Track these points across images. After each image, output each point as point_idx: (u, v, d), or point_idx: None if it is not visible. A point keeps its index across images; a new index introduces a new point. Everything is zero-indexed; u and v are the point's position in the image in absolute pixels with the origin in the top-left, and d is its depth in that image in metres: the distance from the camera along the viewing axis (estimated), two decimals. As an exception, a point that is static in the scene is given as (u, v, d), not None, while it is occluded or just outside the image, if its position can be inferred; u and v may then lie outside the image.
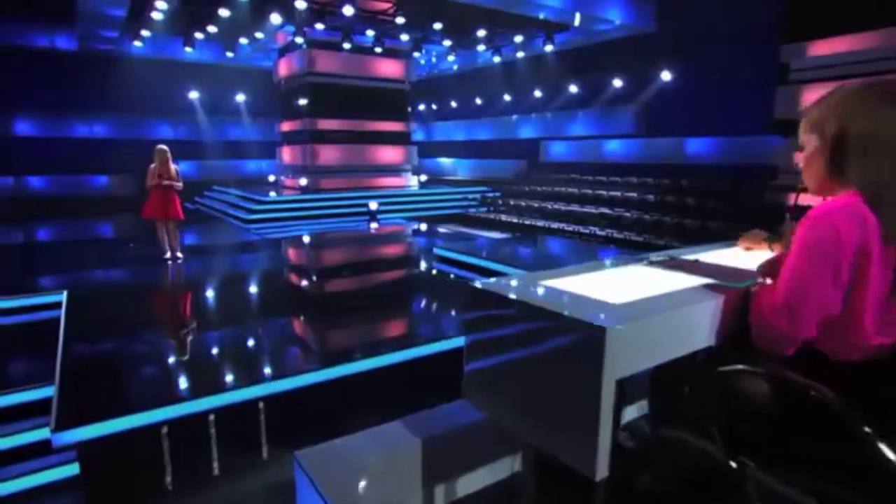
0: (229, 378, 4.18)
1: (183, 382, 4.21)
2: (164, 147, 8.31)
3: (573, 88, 16.49)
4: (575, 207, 12.73)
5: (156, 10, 11.13)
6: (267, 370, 4.38)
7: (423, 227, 13.02)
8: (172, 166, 8.33)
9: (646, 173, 13.80)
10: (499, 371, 1.56)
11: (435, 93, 21.91)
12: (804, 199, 1.86)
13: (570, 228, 12.18)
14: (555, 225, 12.63)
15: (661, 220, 10.79)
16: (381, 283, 7.87)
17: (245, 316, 6.05)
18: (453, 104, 21.80)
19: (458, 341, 4.95)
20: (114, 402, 3.79)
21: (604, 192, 13.17)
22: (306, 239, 11.56)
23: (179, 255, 8.57)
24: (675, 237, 10.12)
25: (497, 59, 15.89)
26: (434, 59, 19.26)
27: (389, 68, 16.68)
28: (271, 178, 18.44)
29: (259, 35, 13.52)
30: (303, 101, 15.93)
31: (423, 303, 6.54)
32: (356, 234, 12.24)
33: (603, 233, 11.43)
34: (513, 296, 1.51)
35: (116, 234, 13.10)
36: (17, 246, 11.02)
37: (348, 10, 11.07)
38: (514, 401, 1.53)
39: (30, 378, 4.45)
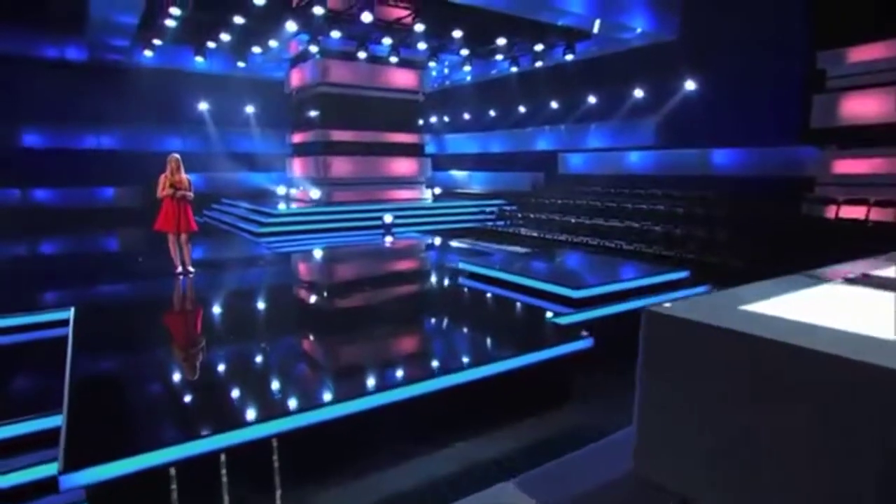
0: (245, 411, 3.68)
1: (198, 414, 3.72)
2: (177, 155, 7.91)
3: (591, 99, 16.16)
4: (599, 221, 12.26)
5: (169, 17, 10.81)
6: (283, 401, 3.88)
7: (442, 241, 12.56)
8: (185, 176, 7.92)
9: (669, 185, 13.36)
10: (717, 440, 1.07)
11: (447, 105, 21.62)
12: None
13: (595, 242, 11.71)
14: (578, 239, 12.17)
15: (691, 233, 10.31)
16: (405, 301, 7.38)
17: (263, 338, 5.57)
18: (466, 116, 21.49)
19: (498, 366, 4.49)
20: (125, 438, 3.33)
21: (628, 205, 12.71)
22: (322, 253, 11.10)
23: (191, 269, 8.12)
24: (708, 251, 9.63)
25: (514, 69, 15.54)
26: (446, 71, 18.98)
27: (404, 79, 16.36)
28: (281, 190, 18.05)
29: (273, 43, 13.21)
30: (315, 112, 15.59)
31: (454, 323, 6.04)
32: (374, 249, 11.78)
33: (630, 247, 10.96)
34: (750, 331, 1.03)
35: (124, 247, 12.68)
36: (23, 259, 10.58)
37: (367, 17, 10.75)
38: (743, 481, 1.04)
39: (36, 404, 3.99)
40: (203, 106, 18.11)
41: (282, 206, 14.39)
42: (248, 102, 18.74)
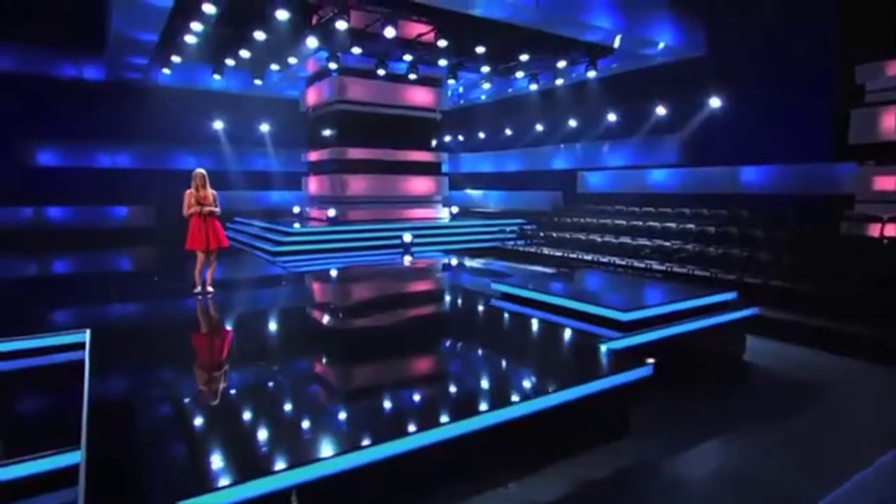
0: (273, 458, 3.25)
1: (226, 456, 3.31)
2: (202, 171, 7.63)
3: (612, 117, 15.89)
4: (626, 240, 11.86)
5: (190, 32, 10.68)
6: (314, 443, 3.44)
7: (463, 260, 12.19)
8: (211, 191, 7.63)
9: (696, 204, 12.97)
10: None
11: (461, 123, 21.46)
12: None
13: (623, 262, 11.29)
14: (605, 258, 11.76)
15: (728, 253, 9.88)
16: (437, 325, 6.96)
17: (292, 368, 5.18)
18: (481, 135, 21.30)
19: (555, 397, 4.04)
20: (151, 479, 2.94)
21: (655, 224, 12.32)
22: (343, 274, 10.75)
23: (210, 289, 7.78)
24: (746, 272, 9.19)
25: (534, 86, 15.33)
26: (461, 90, 18.84)
27: (421, 97, 16.20)
28: (296, 209, 17.81)
29: (292, 60, 13.05)
30: (332, 130, 15.41)
31: (495, 349, 5.62)
32: (395, 269, 11.41)
33: (662, 267, 10.52)
34: None
35: (138, 266, 12.39)
36: (36, 279, 10.29)
37: (390, 32, 10.55)
38: None
39: (51, 439, 3.61)
40: (218, 125, 18.00)
41: (297, 226, 14.10)
42: (262, 121, 18.64)
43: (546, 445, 4.18)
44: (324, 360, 5.34)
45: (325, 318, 7.24)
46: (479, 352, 5.37)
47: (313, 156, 16.55)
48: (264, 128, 18.82)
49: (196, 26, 10.17)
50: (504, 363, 4.99)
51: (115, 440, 3.43)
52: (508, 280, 8.03)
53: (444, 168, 17.55)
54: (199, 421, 3.76)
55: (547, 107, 17.55)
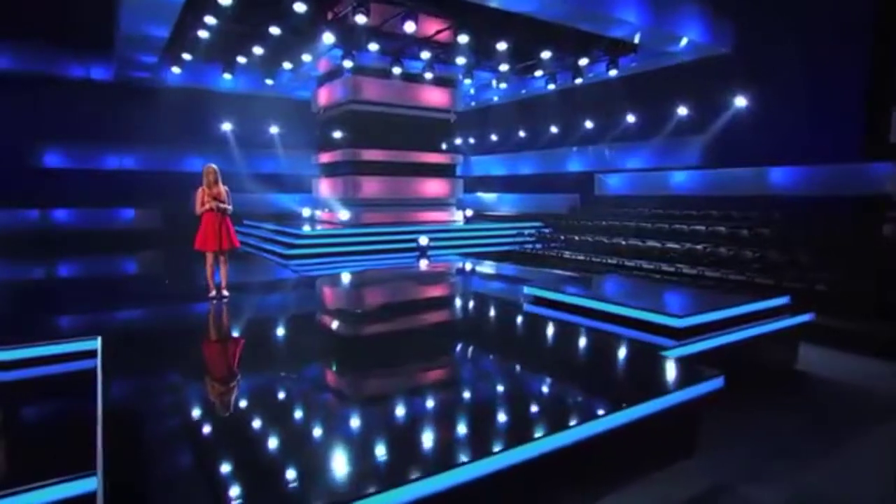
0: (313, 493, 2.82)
1: (260, 481, 2.88)
2: (214, 166, 7.23)
3: (631, 118, 15.48)
4: (653, 243, 11.43)
5: (203, 27, 10.32)
6: (357, 479, 3.03)
7: (483, 264, 11.76)
8: (223, 187, 7.22)
9: (723, 206, 12.53)
10: None
11: (473, 126, 21.07)
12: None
13: (650, 266, 10.86)
14: (631, 262, 11.33)
15: (765, 256, 9.44)
16: (472, 333, 6.50)
17: (321, 380, 4.76)
18: (493, 137, 20.90)
19: (621, 416, 3.56)
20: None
21: (683, 227, 11.89)
22: (360, 278, 10.33)
23: (226, 292, 7.36)
24: (786, 276, 8.74)
25: (552, 86, 14.93)
26: (472, 91, 18.45)
27: (436, 97, 15.82)
28: (306, 212, 17.42)
29: (306, 57, 12.67)
30: (345, 131, 15.02)
31: (541, 361, 5.18)
32: (414, 273, 10.98)
33: (693, 271, 10.09)
34: None
35: (147, 269, 11.98)
36: (42, 283, 9.88)
37: (410, 27, 10.17)
38: None
39: (64, 461, 3.19)
40: (227, 126, 17.65)
41: (306, 228, 13.69)
42: (272, 122, 18.28)
43: (611, 469, 3.74)
44: (356, 374, 4.91)
45: (353, 326, 6.80)
46: (524, 365, 4.93)
47: (325, 157, 16.17)
48: (273, 129, 18.45)
49: (209, 20, 9.80)
50: (554, 377, 4.53)
51: (135, 464, 3.00)
52: (541, 283, 7.60)
53: (459, 170, 17.14)
54: (230, 441, 3.33)
55: (563, 108, 17.16)
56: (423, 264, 12.00)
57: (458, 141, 20.76)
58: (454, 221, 16.40)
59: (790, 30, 11.41)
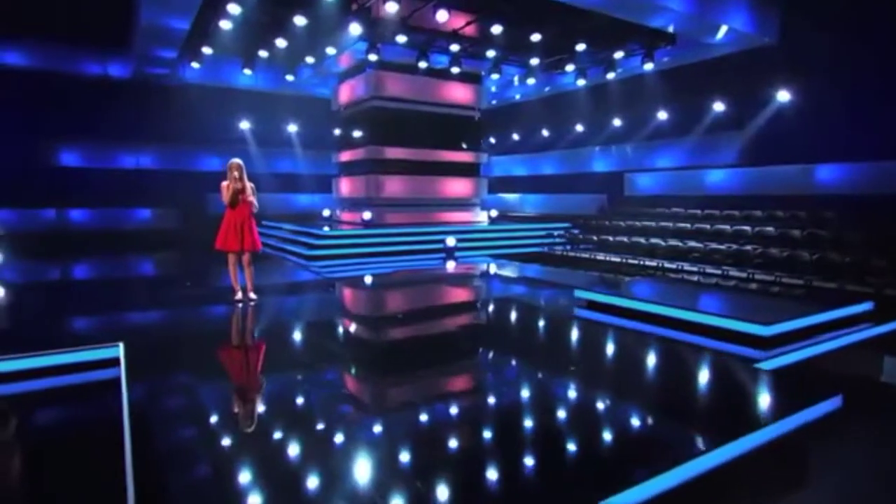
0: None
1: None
2: (238, 161, 6.74)
3: (662, 115, 14.85)
4: (695, 244, 10.80)
5: (226, 17, 9.89)
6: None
7: (514, 266, 11.21)
8: (248, 183, 6.75)
9: (766, 205, 11.88)
10: None
11: (494, 125, 20.50)
12: None
13: (694, 268, 10.24)
14: (670, 265, 10.71)
15: (825, 258, 8.78)
16: (527, 342, 5.98)
17: (371, 391, 4.24)
18: (515, 136, 20.34)
19: (726, 451, 3.01)
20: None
21: (726, 227, 11.27)
22: (390, 279, 9.83)
23: (253, 295, 6.88)
24: (852, 279, 8.10)
25: (581, 81, 14.35)
26: (494, 89, 17.90)
27: (460, 93, 15.32)
28: (326, 212, 16.97)
29: (330, 50, 12.20)
30: (367, 129, 14.55)
31: (606, 375, 4.63)
32: (446, 275, 10.46)
33: (742, 273, 9.46)
34: None
35: (167, 271, 11.55)
36: (58, 285, 9.46)
37: (442, 16, 9.65)
38: None
39: (91, 492, 2.70)
40: (245, 125, 17.26)
41: (326, 228, 13.22)
42: (291, 121, 17.87)
43: None
44: (410, 384, 4.38)
45: (395, 331, 6.28)
46: (596, 384, 4.37)
47: (345, 156, 15.71)
48: (292, 128, 18.05)
49: (233, 9, 9.36)
50: (636, 400, 3.95)
51: (172, 491, 2.50)
52: (595, 286, 7.04)
53: (483, 170, 16.61)
54: (276, 465, 2.81)
55: (590, 105, 16.56)
56: (451, 266, 11.48)
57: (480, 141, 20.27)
58: (479, 222, 15.86)
59: (840, 18, 10.77)
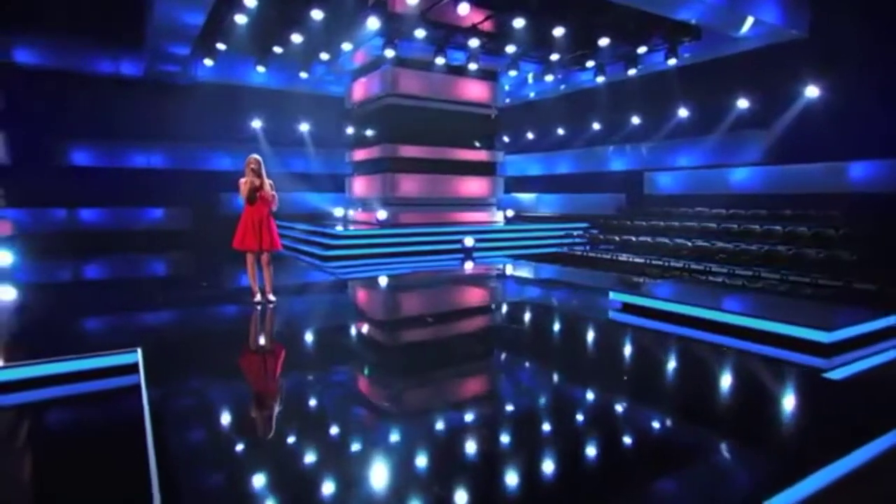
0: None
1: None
2: (257, 156, 6.48)
3: (683, 112, 14.49)
4: (723, 244, 10.44)
5: (241, 10, 9.64)
6: None
7: (535, 267, 10.90)
8: (267, 180, 6.48)
9: (791, 205, 11.50)
10: None
11: (507, 124, 20.19)
12: None
13: (724, 269, 9.88)
14: (697, 265, 10.36)
15: (867, 259, 8.41)
16: (564, 350, 5.67)
17: (411, 401, 3.95)
18: (529, 135, 20.02)
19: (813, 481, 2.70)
20: None
21: (755, 226, 10.90)
22: (411, 280, 9.54)
23: (272, 297, 6.61)
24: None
25: (600, 78, 14.02)
26: (507, 87, 17.58)
27: (476, 91, 15.02)
28: (339, 211, 16.71)
29: (346, 46, 11.93)
30: (382, 126, 14.28)
31: (653, 386, 4.30)
32: (468, 276, 10.17)
33: (775, 275, 9.10)
34: None
35: (180, 271, 11.32)
36: (70, 286, 9.24)
37: (464, 9, 9.37)
38: None
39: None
40: (257, 123, 17.04)
41: (339, 228, 12.96)
42: (303, 119, 17.64)
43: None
44: (454, 391, 4.08)
45: (424, 335, 5.99)
46: (651, 393, 4.05)
47: (359, 155, 15.45)
48: (304, 127, 17.80)
49: (249, 1, 9.10)
50: (708, 416, 3.61)
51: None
52: (631, 289, 6.72)
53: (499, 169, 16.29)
54: (308, 470, 2.51)
55: (607, 103, 16.23)
56: (470, 266, 11.18)
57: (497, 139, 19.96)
58: (495, 222, 15.55)
59: (874, 9, 10.38)
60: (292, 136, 17.74)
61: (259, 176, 6.41)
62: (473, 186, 15.29)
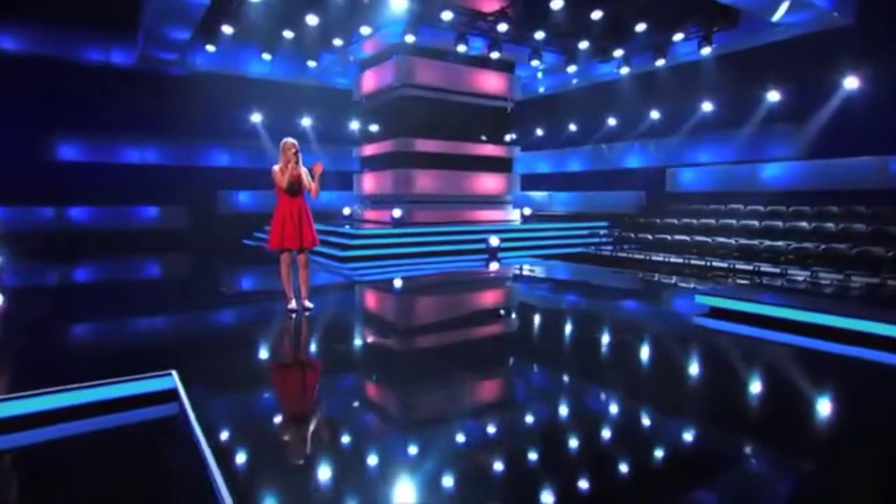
0: None
1: None
2: (292, 140, 5.63)
3: (708, 106, 13.85)
4: (773, 242, 9.80)
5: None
6: None
7: (563, 269, 10.15)
8: (303, 169, 5.63)
9: (835, 201, 10.90)
10: None
11: (517, 119, 19.45)
12: None
13: (776, 270, 9.23)
14: (744, 265, 9.69)
15: (938, 257, 7.81)
16: (650, 363, 4.89)
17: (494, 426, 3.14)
18: (539, 132, 19.29)
19: None
20: None
21: (803, 224, 10.29)
22: (445, 280, 8.74)
23: (308, 304, 5.73)
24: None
25: (625, 70, 13.35)
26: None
27: (493, 83, 14.25)
28: (346, 210, 15.83)
29: (365, 30, 11.07)
30: (396, 119, 13.44)
31: (781, 410, 3.56)
32: (503, 277, 9.38)
33: (838, 275, 8.46)
34: None
35: (188, 275, 10.36)
36: (68, 293, 8.24)
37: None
38: None
39: None
40: (257, 117, 16.07)
41: (348, 227, 12.10)
42: (306, 113, 16.69)
43: None
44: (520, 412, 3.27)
45: (501, 338, 5.18)
46: (784, 417, 3.29)
47: (369, 150, 14.59)
48: (306, 122, 16.87)
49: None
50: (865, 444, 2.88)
51: None
52: (722, 290, 6.00)
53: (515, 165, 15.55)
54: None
55: (629, 95, 15.54)
56: (496, 267, 10.40)
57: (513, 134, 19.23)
58: (511, 220, 14.80)
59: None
60: (295, 130, 16.77)
61: (297, 164, 5.58)
62: (490, 183, 14.53)
